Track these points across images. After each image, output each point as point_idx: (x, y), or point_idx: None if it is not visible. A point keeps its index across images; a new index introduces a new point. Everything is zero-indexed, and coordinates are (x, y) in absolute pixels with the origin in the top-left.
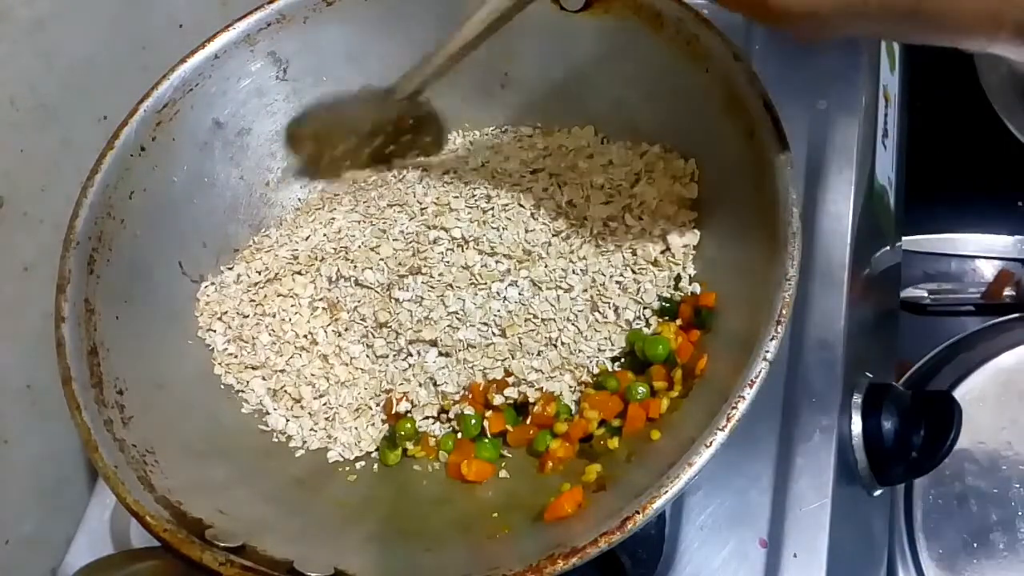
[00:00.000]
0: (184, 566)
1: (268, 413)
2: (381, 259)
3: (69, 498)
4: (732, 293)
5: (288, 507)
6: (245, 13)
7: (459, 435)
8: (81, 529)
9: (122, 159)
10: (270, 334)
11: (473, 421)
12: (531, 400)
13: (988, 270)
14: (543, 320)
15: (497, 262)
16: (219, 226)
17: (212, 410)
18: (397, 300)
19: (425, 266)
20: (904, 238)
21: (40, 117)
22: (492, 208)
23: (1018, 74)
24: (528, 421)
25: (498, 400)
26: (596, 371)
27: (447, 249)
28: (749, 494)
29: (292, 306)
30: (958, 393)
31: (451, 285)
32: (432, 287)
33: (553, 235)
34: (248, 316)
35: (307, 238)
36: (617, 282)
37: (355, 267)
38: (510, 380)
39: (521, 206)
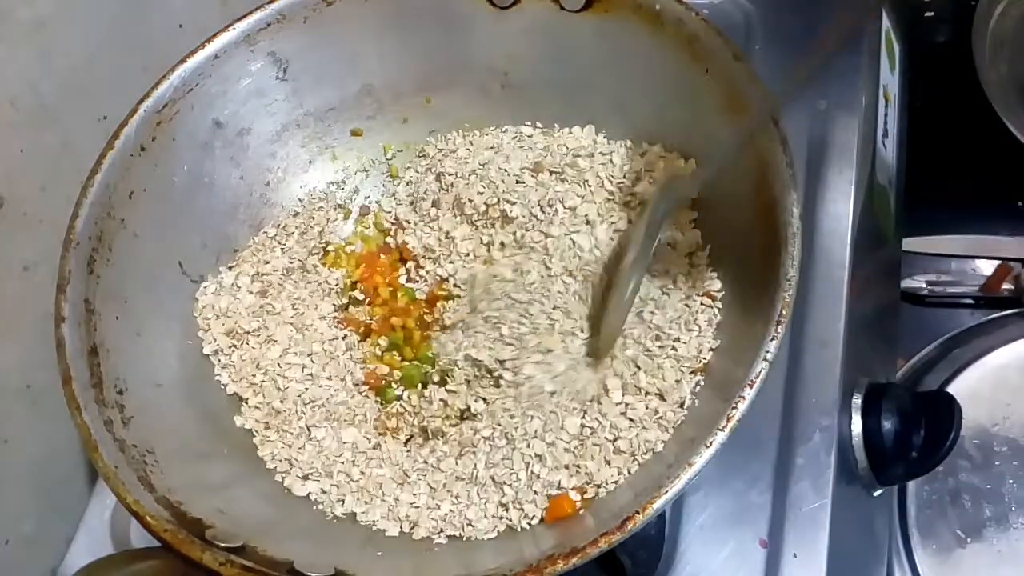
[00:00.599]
0: (184, 566)
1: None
2: None
3: (69, 498)
4: (732, 293)
5: (288, 507)
6: (245, 13)
7: None
8: (81, 529)
9: (122, 159)
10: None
11: None
12: None
13: (988, 270)
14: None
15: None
16: (219, 226)
17: (212, 410)
18: None
19: None
20: (904, 239)
21: (40, 117)
22: None
23: (1018, 74)
24: None
25: None
26: None
27: None
28: (749, 494)
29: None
30: (952, 389)
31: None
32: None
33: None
34: (247, 316)
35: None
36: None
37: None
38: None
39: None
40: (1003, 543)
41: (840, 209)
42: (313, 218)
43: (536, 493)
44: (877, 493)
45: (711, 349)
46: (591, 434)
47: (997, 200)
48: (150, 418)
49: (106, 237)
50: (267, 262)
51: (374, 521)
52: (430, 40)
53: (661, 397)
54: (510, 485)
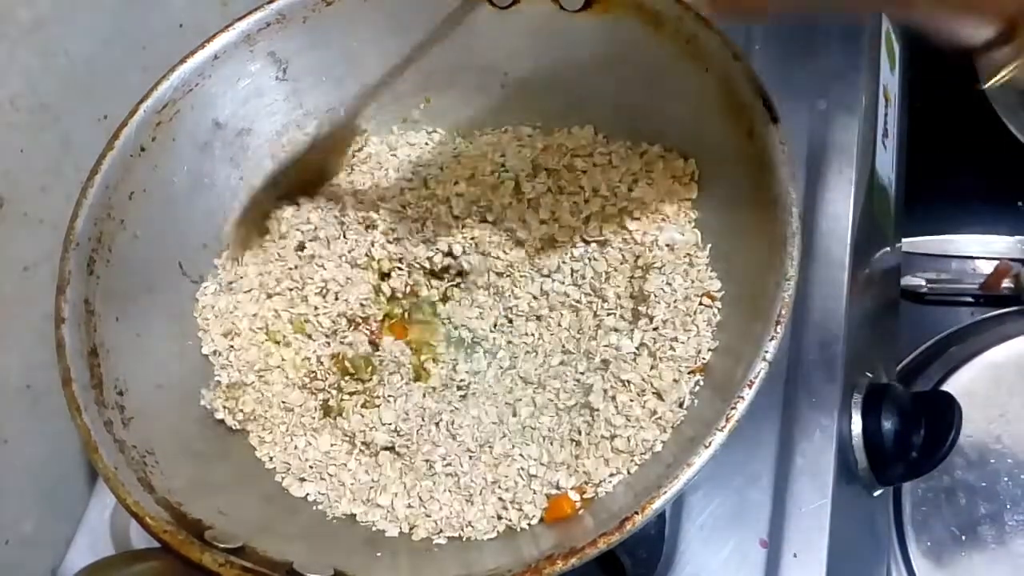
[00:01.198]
0: (184, 567)
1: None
2: None
3: (69, 498)
4: (732, 293)
5: (288, 507)
6: (245, 13)
7: None
8: (81, 529)
9: (122, 159)
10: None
11: None
12: None
13: (988, 268)
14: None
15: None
16: (219, 226)
17: (212, 411)
18: None
19: None
20: (904, 239)
21: (40, 117)
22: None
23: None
24: None
25: None
26: None
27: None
28: (749, 494)
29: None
30: (948, 386)
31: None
32: None
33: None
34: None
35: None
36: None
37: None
38: None
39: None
40: (998, 541)
41: (840, 209)
42: None
43: (535, 493)
44: (877, 493)
45: (710, 349)
46: (588, 433)
47: (997, 200)
48: (150, 419)
49: (106, 238)
50: (268, 262)
51: (373, 522)
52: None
53: (659, 396)
54: (508, 486)
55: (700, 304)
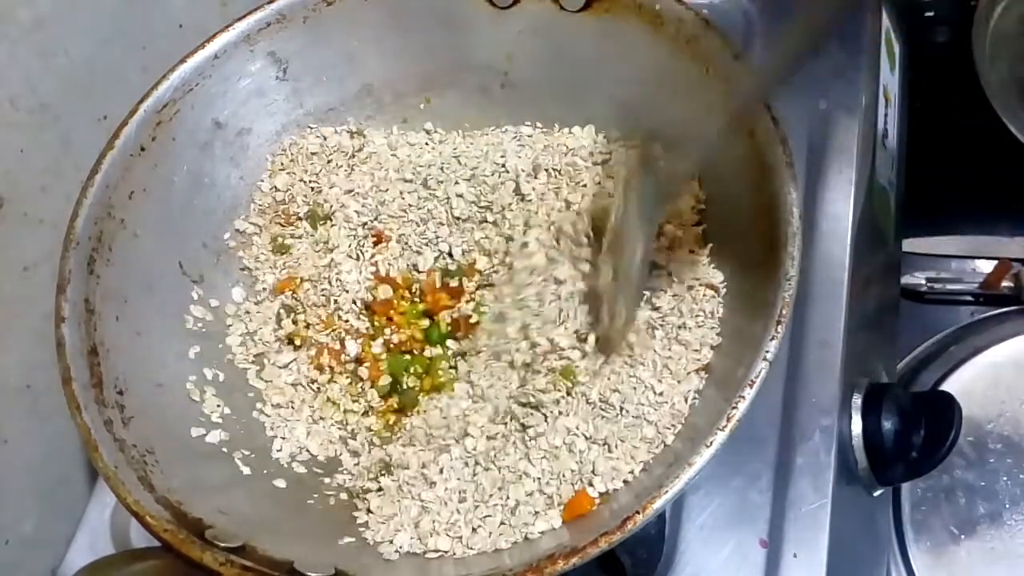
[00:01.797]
0: (184, 566)
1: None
2: None
3: (69, 498)
4: (732, 293)
5: (288, 507)
6: (245, 13)
7: None
8: (81, 529)
9: (122, 159)
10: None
11: None
12: None
13: (988, 268)
14: None
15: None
16: (219, 226)
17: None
18: None
19: None
20: (904, 239)
21: (40, 117)
22: None
23: (1018, 74)
24: None
25: None
26: None
27: None
28: (749, 494)
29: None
30: (948, 386)
31: None
32: None
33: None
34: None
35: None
36: None
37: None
38: None
39: None
40: (997, 540)
41: (840, 209)
42: None
43: (542, 494)
44: (877, 493)
45: (712, 347)
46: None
47: (997, 200)
48: (150, 418)
49: (106, 237)
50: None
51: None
52: (430, 40)
53: (661, 396)
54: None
55: (704, 295)
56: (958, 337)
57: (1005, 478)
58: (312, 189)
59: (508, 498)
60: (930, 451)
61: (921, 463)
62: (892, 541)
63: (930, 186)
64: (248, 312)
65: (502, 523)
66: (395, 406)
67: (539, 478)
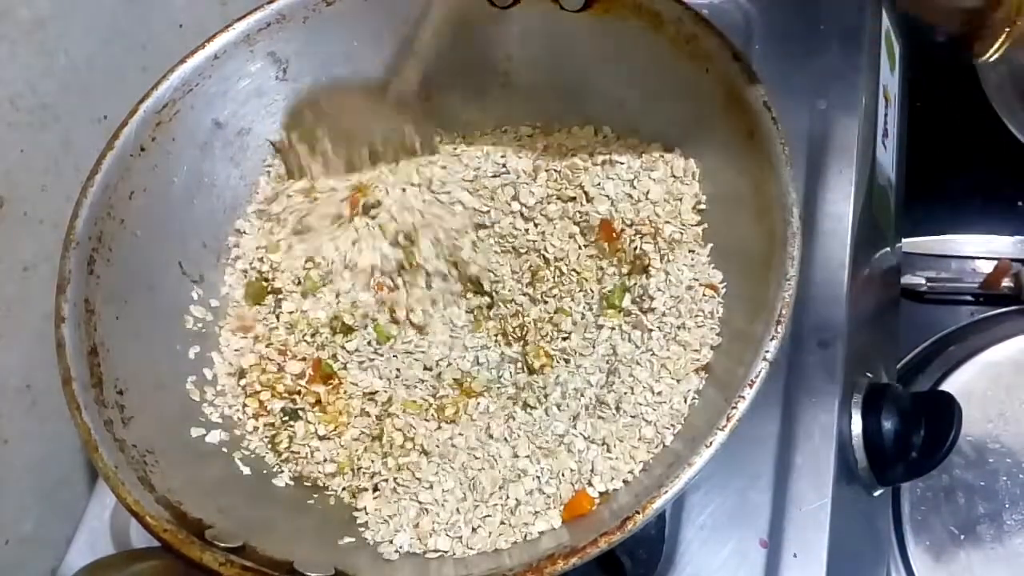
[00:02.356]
0: (184, 566)
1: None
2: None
3: (69, 498)
4: (732, 293)
5: (288, 507)
6: (245, 13)
7: None
8: (81, 529)
9: (122, 159)
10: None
11: None
12: None
13: (988, 267)
14: None
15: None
16: (219, 226)
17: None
18: None
19: None
20: (904, 239)
21: (40, 117)
22: None
23: (1018, 74)
24: None
25: None
26: None
27: None
28: (749, 494)
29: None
30: (947, 385)
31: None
32: None
33: None
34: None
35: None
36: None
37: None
38: None
39: None
40: (997, 540)
41: (840, 209)
42: None
43: (541, 494)
44: (877, 493)
45: (712, 347)
46: (591, 432)
47: (997, 200)
48: (150, 418)
49: (106, 237)
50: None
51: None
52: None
53: (660, 395)
54: (519, 496)
55: (704, 295)
56: (958, 337)
57: (1005, 478)
58: None
59: (508, 498)
60: (930, 451)
61: (921, 463)
62: (892, 541)
63: (930, 186)
64: None
65: (502, 523)
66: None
67: (539, 477)
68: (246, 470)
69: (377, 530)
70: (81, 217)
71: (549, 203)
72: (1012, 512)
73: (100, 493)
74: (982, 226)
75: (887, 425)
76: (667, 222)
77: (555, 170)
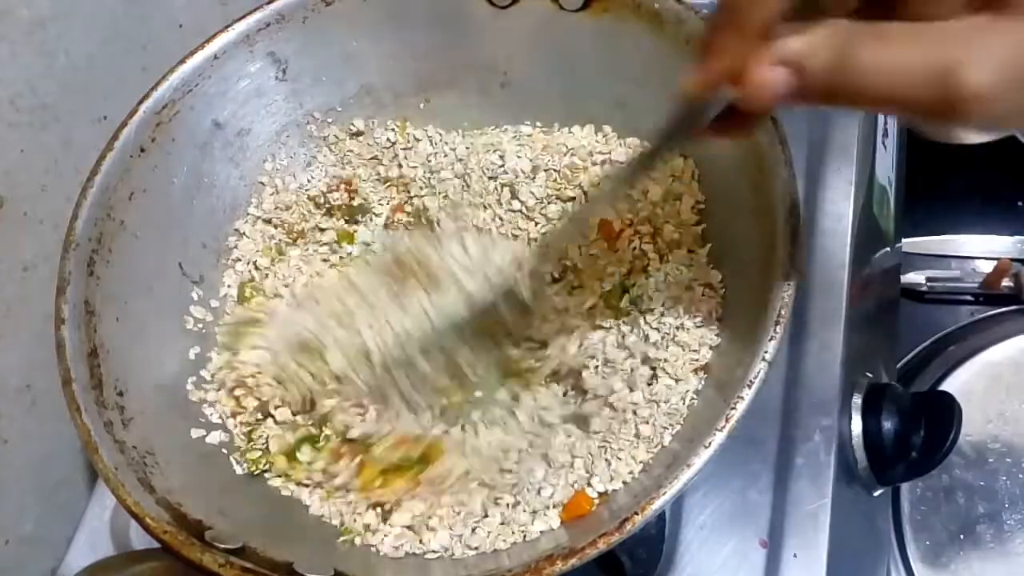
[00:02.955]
0: (184, 568)
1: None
2: None
3: (69, 498)
4: (732, 293)
5: (288, 507)
6: (245, 13)
7: None
8: (81, 529)
9: (122, 160)
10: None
11: None
12: None
13: (988, 267)
14: None
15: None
16: (219, 227)
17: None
18: None
19: None
20: (904, 239)
21: (40, 117)
22: None
23: None
24: None
25: None
26: None
27: None
28: (749, 494)
29: None
30: (947, 385)
31: None
32: None
33: None
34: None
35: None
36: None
37: None
38: None
39: None
40: (996, 540)
41: (840, 209)
42: None
43: (540, 494)
44: (877, 493)
45: (711, 347)
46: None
47: (997, 200)
48: (150, 419)
49: (106, 238)
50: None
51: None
52: (429, 40)
53: (659, 396)
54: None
55: (703, 295)
56: (958, 337)
57: (1004, 478)
58: None
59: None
60: (930, 451)
61: (921, 463)
62: (892, 541)
63: (930, 186)
64: None
65: (501, 523)
66: None
67: (538, 477)
68: (246, 471)
69: (377, 530)
70: (81, 218)
71: (549, 203)
72: (1012, 512)
73: (100, 494)
74: (982, 226)
75: (887, 425)
76: (666, 222)
77: (555, 170)
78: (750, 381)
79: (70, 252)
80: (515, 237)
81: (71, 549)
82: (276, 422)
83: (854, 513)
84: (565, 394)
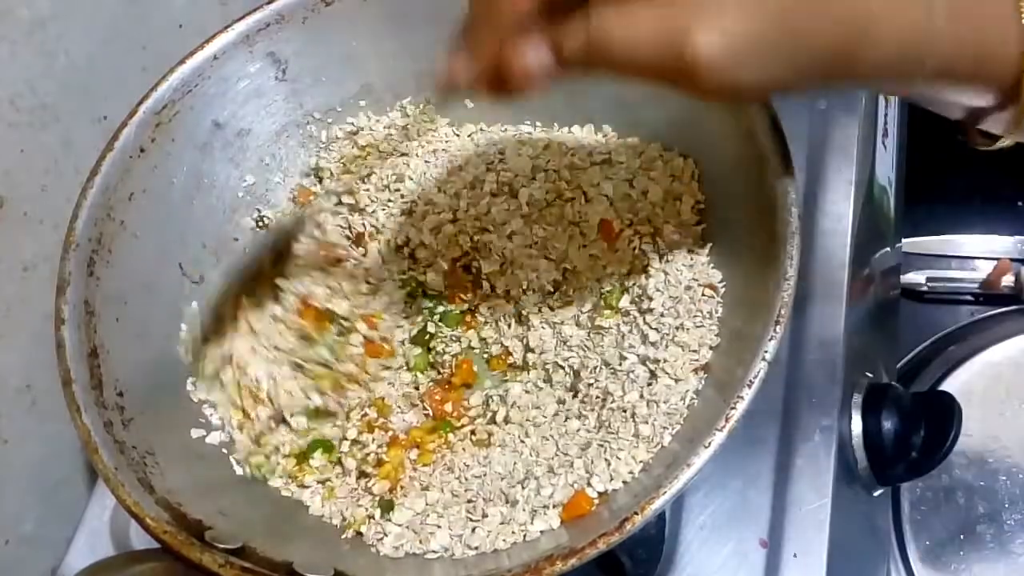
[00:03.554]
0: (184, 568)
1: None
2: None
3: (69, 498)
4: (731, 293)
5: (288, 508)
6: (244, 14)
7: None
8: (81, 529)
9: (122, 160)
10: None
11: None
12: None
13: (988, 267)
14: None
15: None
16: (219, 227)
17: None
18: None
19: None
20: (904, 239)
21: (40, 117)
22: None
23: None
24: None
25: None
26: None
27: None
28: (749, 494)
29: None
30: (947, 385)
31: None
32: None
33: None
34: None
35: None
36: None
37: None
38: None
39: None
40: (996, 540)
41: (840, 209)
42: None
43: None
44: (877, 493)
45: (711, 347)
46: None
47: (997, 200)
48: (150, 420)
49: (106, 239)
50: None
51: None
52: (430, 40)
53: (659, 396)
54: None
55: (703, 296)
56: (958, 337)
57: (1004, 478)
58: None
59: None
60: (930, 451)
61: (921, 463)
62: (892, 541)
63: (930, 186)
64: None
65: (501, 523)
66: None
67: (537, 477)
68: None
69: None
70: (81, 218)
71: (549, 203)
72: (1012, 512)
73: (100, 494)
74: (982, 226)
75: (887, 425)
76: (666, 222)
77: (555, 170)
78: (750, 381)
79: (70, 252)
80: (511, 236)
81: (71, 549)
82: (291, 429)
83: (854, 513)
84: (564, 396)
